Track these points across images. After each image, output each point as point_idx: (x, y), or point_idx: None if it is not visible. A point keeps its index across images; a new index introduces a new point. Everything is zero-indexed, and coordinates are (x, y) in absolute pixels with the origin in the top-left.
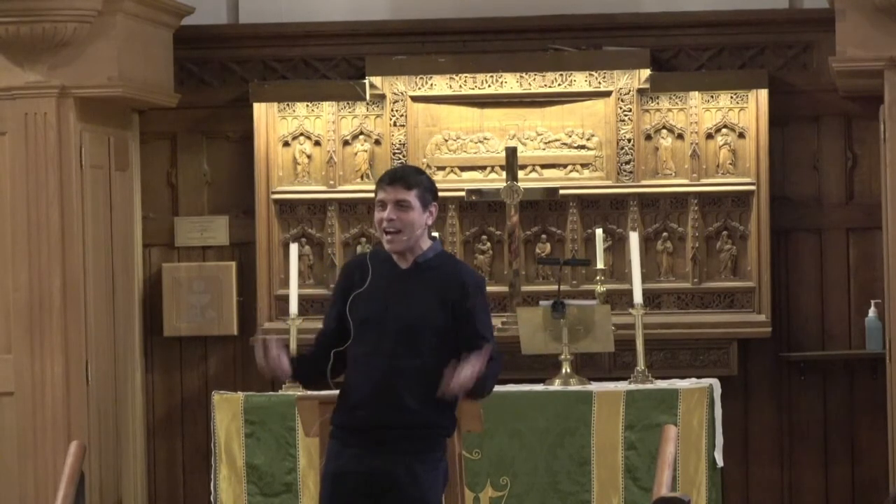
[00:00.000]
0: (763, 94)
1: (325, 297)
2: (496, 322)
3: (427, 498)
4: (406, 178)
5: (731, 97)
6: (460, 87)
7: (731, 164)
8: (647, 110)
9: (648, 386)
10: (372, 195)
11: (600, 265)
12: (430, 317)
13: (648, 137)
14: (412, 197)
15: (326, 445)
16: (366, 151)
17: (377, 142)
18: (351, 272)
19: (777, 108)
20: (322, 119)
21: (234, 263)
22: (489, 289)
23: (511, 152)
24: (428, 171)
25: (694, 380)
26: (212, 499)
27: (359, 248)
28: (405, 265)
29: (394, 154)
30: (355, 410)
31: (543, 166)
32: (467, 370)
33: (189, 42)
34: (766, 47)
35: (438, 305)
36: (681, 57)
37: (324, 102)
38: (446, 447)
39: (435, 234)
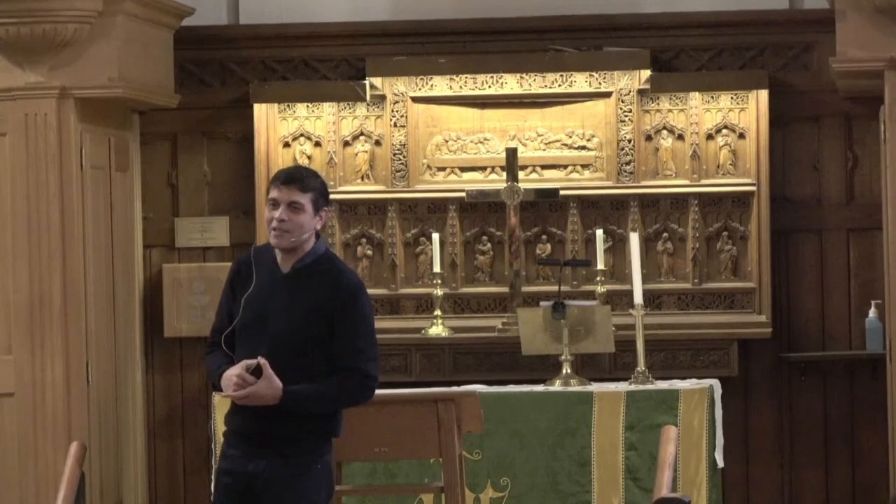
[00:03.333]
0: (763, 94)
1: None
2: (497, 323)
3: (300, 501)
4: (302, 180)
5: (732, 98)
6: (460, 87)
7: (731, 164)
8: (647, 111)
9: (649, 386)
10: (372, 196)
11: (601, 266)
12: (306, 326)
13: (649, 138)
14: (306, 200)
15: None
16: (366, 152)
17: (377, 142)
18: (239, 271)
19: (777, 108)
20: (322, 120)
21: None
22: (496, 290)
23: (511, 153)
24: (429, 172)
25: (694, 380)
26: (212, 499)
27: (359, 250)
28: (286, 269)
29: (394, 155)
30: (235, 414)
31: (544, 167)
32: (244, 389)
33: (189, 43)
34: (767, 48)
35: (314, 314)
36: (681, 58)
37: (324, 103)
38: (327, 450)
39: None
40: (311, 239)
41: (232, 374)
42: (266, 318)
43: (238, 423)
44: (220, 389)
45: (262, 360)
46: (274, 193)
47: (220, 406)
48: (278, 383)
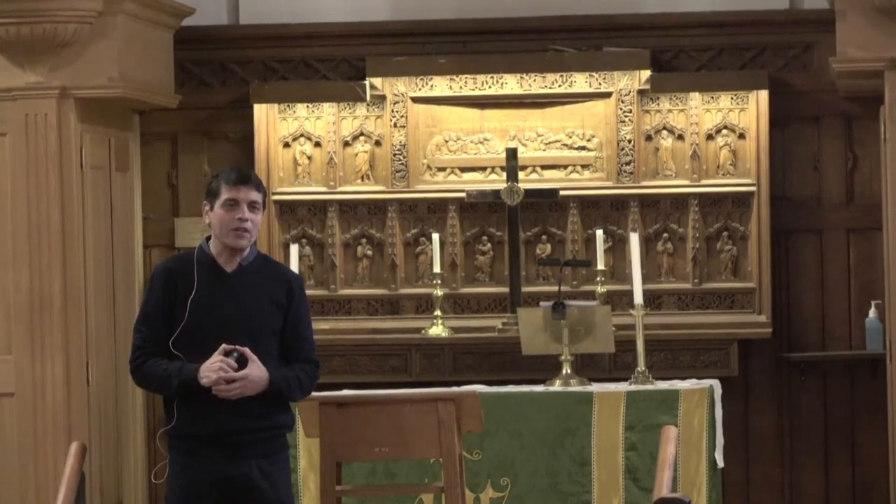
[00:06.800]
0: (763, 94)
1: (326, 299)
2: (497, 323)
3: (284, 498)
4: (255, 180)
5: (732, 98)
6: (461, 87)
7: (731, 164)
8: (647, 111)
9: (649, 387)
10: (372, 196)
11: (601, 266)
12: (266, 319)
13: (649, 138)
14: (260, 199)
15: (169, 458)
16: (366, 152)
17: (378, 143)
18: (172, 277)
19: (777, 108)
20: (322, 120)
21: None
22: (496, 290)
23: (511, 153)
24: (428, 172)
25: (694, 380)
26: None
27: (359, 250)
28: (231, 268)
29: (394, 155)
30: (204, 419)
31: (544, 167)
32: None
33: (189, 43)
34: (767, 48)
35: (271, 307)
36: (681, 58)
37: (324, 103)
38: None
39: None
40: None
41: (213, 364)
42: (223, 317)
43: (210, 427)
44: (187, 388)
45: (241, 348)
46: (231, 193)
47: None
48: (264, 368)
